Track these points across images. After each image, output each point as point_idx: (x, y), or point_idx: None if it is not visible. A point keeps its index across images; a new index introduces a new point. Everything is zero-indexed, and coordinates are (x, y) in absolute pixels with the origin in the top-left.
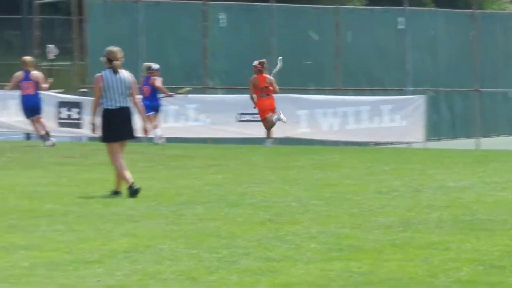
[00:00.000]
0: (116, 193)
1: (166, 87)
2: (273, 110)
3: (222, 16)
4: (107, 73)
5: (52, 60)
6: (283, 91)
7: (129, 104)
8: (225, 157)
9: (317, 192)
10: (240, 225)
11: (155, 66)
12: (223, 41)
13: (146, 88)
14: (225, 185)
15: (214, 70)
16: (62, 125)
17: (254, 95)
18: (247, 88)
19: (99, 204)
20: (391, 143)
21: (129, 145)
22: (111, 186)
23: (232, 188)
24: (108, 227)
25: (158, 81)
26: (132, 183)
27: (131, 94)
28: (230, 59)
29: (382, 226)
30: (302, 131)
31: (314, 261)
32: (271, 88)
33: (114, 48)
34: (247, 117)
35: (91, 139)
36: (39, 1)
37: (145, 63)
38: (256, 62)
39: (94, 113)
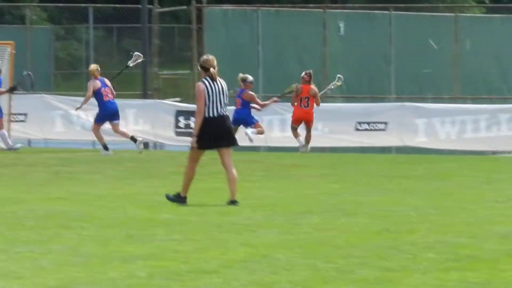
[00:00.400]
0: (232, 202)
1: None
2: (308, 121)
3: (341, 24)
4: (206, 81)
5: (130, 67)
6: (401, 99)
7: (227, 112)
8: (342, 166)
9: (434, 201)
10: (357, 234)
11: (251, 78)
12: (342, 49)
13: (238, 101)
14: (341, 194)
15: (332, 78)
16: (179, 134)
17: (295, 103)
18: (366, 97)
19: (216, 213)
20: (509, 152)
21: (247, 154)
22: (227, 196)
23: (348, 197)
24: (225, 237)
25: (250, 95)
26: (185, 197)
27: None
28: (349, 67)
29: (498, 235)
30: (420, 140)
31: (431, 271)
32: (313, 99)
33: (210, 56)
34: (365, 126)
35: None
36: (158, 10)
37: (241, 75)
38: (303, 73)
39: (200, 124)
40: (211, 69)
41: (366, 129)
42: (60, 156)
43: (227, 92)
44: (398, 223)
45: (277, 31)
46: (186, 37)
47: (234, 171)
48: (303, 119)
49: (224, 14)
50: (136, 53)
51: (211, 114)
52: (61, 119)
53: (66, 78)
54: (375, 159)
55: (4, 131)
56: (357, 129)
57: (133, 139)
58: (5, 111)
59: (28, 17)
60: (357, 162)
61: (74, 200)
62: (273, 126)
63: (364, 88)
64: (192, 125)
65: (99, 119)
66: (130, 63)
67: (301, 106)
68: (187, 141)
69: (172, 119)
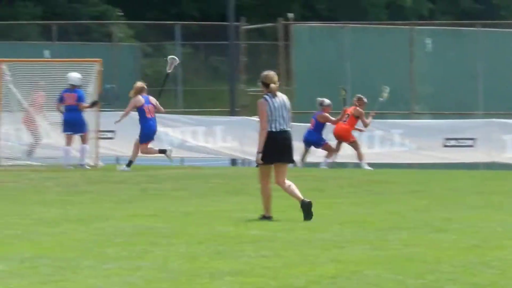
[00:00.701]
0: (307, 204)
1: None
2: (342, 137)
3: (428, 41)
4: (267, 97)
5: (169, 75)
6: (489, 115)
7: (289, 127)
8: (430, 182)
9: None
10: (446, 250)
11: (327, 101)
12: (429, 66)
13: (312, 121)
14: (430, 210)
15: (419, 94)
16: None
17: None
18: (453, 113)
19: (305, 229)
20: None
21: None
22: (317, 211)
23: (437, 213)
24: (314, 253)
25: (325, 116)
26: (270, 216)
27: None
28: (436, 83)
29: None
30: (508, 156)
31: None
32: (354, 119)
33: (270, 72)
34: (453, 142)
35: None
36: (245, 27)
37: (318, 99)
38: (355, 99)
39: (263, 141)
40: (272, 85)
41: (454, 145)
42: (147, 173)
43: (289, 107)
44: (487, 239)
45: (363, 47)
46: (273, 54)
47: (287, 182)
48: (338, 133)
49: (311, 31)
50: (170, 56)
51: (273, 129)
52: None
53: (153, 95)
54: (463, 176)
55: (86, 146)
56: (445, 146)
57: (162, 151)
58: (92, 128)
59: (115, 35)
60: (445, 179)
61: (162, 216)
62: (360, 142)
63: (451, 104)
64: None
65: (144, 139)
66: (168, 70)
67: (342, 120)
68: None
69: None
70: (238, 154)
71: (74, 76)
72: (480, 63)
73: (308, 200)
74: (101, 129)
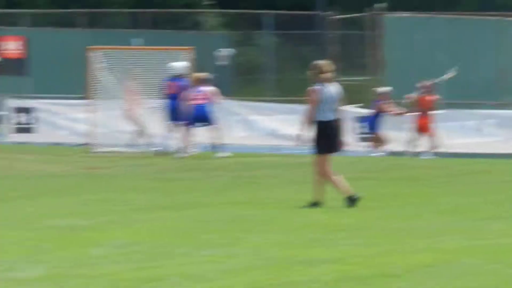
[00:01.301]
0: (314, 204)
1: (463, 103)
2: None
3: None
4: (321, 86)
5: (223, 66)
6: None
7: (338, 117)
8: None
9: None
10: None
11: (382, 89)
12: None
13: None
14: None
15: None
16: (360, 139)
17: None
18: None
19: (398, 218)
20: None
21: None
22: (408, 200)
23: None
24: (407, 242)
25: (386, 106)
26: (352, 195)
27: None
28: None
29: None
30: None
31: None
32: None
33: (322, 62)
34: None
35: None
36: (335, 17)
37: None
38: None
39: (307, 126)
40: (323, 75)
41: None
42: (241, 160)
43: (339, 96)
44: None
45: (454, 37)
46: (363, 44)
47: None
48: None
49: (402, 21)
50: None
51: (325, 118)
52: (241, 124)
53: (244, 84)
54: None
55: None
56: None
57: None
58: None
59: (205, 23)
60: None
61: (256, 204)
62: (453, 132)
63: None
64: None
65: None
66: (223, 62)
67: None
68: (367, 147)
69: (351, 125)
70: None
71: (180, 64)
72: None
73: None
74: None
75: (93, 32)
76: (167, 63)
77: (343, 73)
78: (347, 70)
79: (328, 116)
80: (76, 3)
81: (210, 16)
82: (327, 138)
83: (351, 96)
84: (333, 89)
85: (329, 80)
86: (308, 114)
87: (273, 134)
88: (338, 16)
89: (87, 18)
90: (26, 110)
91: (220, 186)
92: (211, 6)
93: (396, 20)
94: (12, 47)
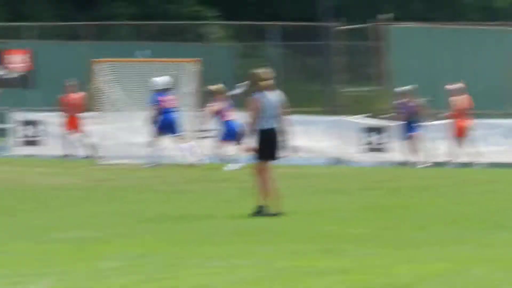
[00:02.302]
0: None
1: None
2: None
3: None
4: (260, 95)
5: (235, 95)
6: None
7: (279, 124)
8: None
9: None
10: None
11: (401, 89)
12: None
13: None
14: None
15: None
16: (366, 150)
17: None
18: None
19: (409, 228)
20: None
21: (435, 170)
22: (421, 210)
23: None
24: (419, 251)
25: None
26: (263, 207)
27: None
28: None
29: None
30: None
31: None
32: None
33: (261, 70)
34: None
35: (396, 164)
36: (341, 28)
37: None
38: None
39: (251, 135)
40: (265, 82)
41: None
42: (248, 172)
43: (279, 104)
44: None
45: (459, 47)
46: (369, 54)
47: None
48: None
49: (407, 31)
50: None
51: (265, 126)
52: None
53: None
54: None
55: (187, 145)
56: None
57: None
58: (195, 127)
59: (209, 35)
60: None
61: (264, 216)
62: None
63: None
64: (377, 140)
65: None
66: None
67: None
68: (374, 157)
69: (357, 136)
70: (336, 154)
71: (165, 79)
72: None
73: (273, 213)
74: (203, 128)
75: (98, 45)
76: (173, 74)
77: (349, 84)
78: (353, 81)
79: (269, 124)
80: (82, 16)
81: (215, 28)
82: (268, 145)
83: (357, 106)
84: (273, 97)
85: (269, 88)
86: (250, 123)
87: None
88: (343, 27)
89: (93, 30)
90: (32, 123)
91: (228, 198)
92: (216, 18)
93: (401, 30)
94: (18, 60)
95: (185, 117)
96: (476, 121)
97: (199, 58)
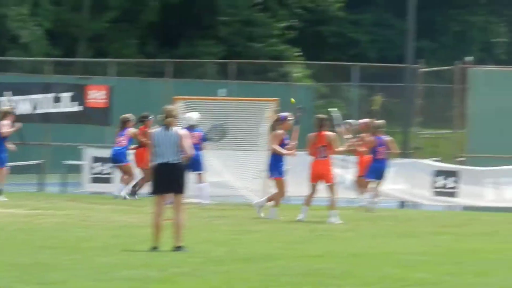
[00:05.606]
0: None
1: None
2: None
3: None
4: (159, 130)
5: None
6: None
7: (178, 159)
8: None
9: None
10: None
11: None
12: None
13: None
14: None
15: None
16: (437, 194)
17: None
18: None
19: (471, 274)
20: None
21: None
22: (486, 256)
23: None
24: None
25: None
26: (156, 247)
27: (181, 149)
28: None
29: None
30: None
31: None
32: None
33: (168, 107)
34: None
35: (466, 208)
36: (423, 70)
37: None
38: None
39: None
40: (167, 118)
41: None
42: (317, 213)
43: (178, 140)
44: None
45: None
46: (448, 97)
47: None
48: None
49: (488, 74)
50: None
51: (159, 161)
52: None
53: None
54: None
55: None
56: None
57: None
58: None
59: (291, 74)
60: None
61: (329, 257)
62: None
63: None
64: (449, 184)
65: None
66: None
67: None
68: (445, 201)
69: (430, 178)
70: (408, 197)
71: (193, 116)
72: None
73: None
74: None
75: (177, 82)
76: (255, 114)
77: (427, 126)
78: (432, 123)
79: (163, 159)
80: (164, 53)
81: (296, 67)
82: (161, 180)
83: (433, 149)
84: (171, 132)
85: (169, 124)
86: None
87: (352, 186)
88: (426, 69)
89: (174, 67)
90: (103, 160)
91: (295, 239)
92: (298, 57)
93: (483, 74)
94: (97, 96)
95: (260, 156)
96: None
97: (279, 97)
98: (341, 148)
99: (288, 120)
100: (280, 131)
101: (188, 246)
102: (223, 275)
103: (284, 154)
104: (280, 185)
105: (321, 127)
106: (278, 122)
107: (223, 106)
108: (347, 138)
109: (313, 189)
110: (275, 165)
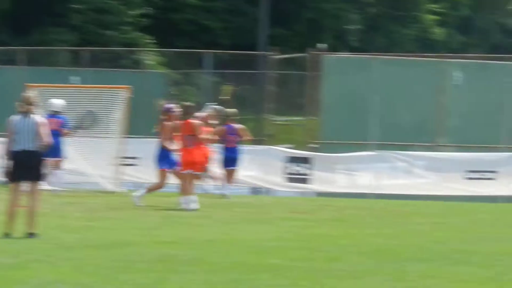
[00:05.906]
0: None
1: (395, 144)
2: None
3: (457, 73)
4: (17, 117)
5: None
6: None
7: (36, 147)
8: (451, 215)
9: None
10: (463, 283)
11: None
12: (456, 99)
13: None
14: (450, 242)
15: (445, 127)
16: (290, 180)
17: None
18: (477, 146)
19: (323, 259)
20: None
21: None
22: (336, 241)
23: (458, 246)
24: (331, 283)
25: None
26: (8, 233)
27: (39, 137)
28: (462, 116)
29: None
30: None
31: None
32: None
33: (26, 94)
34: (476, 175)
35: (319, 194)
36: (275, 57)
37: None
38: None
39: (6, 156)
40: (26, 106)
41: (477, 178)
42: (171, 200)
43: (36, 127)
44: (505, 273)
45: (393, 80)
46: (302, 84)
47: (15, 207)
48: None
49: (341, 62)
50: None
51: (16, 148)
52: None
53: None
54: (484, 208)
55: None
56: (467, 178)
57: None
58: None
59: (144, 62)
60: (467, 211)
61: (182, 244)
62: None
63: (476, 137)
64: (302, 171)
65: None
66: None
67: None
68: (297, 187)
69: (283, 165)
70: (261, 183)
71: (57, 102)
72: (508, 95)
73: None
74: (125, 155)
75: (32, 70)
76: (108, 101)
77: (280, 113)
78: (285, 110)
79: (20, 146)
80: (17, 41)
81: (149, 55)
82: (17, 167)
83: (286, 136)
84: (29, 120)
85: (28, 111)
86: (6, 145)
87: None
88: (278, 56)
89: (27, 55)
90: None
91: (148, 225)
92: (151, 45)
93: (335, 61)
94: None
95: (113, 143)
96: (402, 153)
97: (132, 85)
98: (205, 136)
99: (173, 111)
100: (168, 123)
101: (40, 232)
102: (75, 262)
103: (172, 150)
104: (163, 177)
105: (186, 115)
106: (165, 114)
107: (77, 93)
108: (213, 124)
109: (183, 177)
110: (164, 157)
